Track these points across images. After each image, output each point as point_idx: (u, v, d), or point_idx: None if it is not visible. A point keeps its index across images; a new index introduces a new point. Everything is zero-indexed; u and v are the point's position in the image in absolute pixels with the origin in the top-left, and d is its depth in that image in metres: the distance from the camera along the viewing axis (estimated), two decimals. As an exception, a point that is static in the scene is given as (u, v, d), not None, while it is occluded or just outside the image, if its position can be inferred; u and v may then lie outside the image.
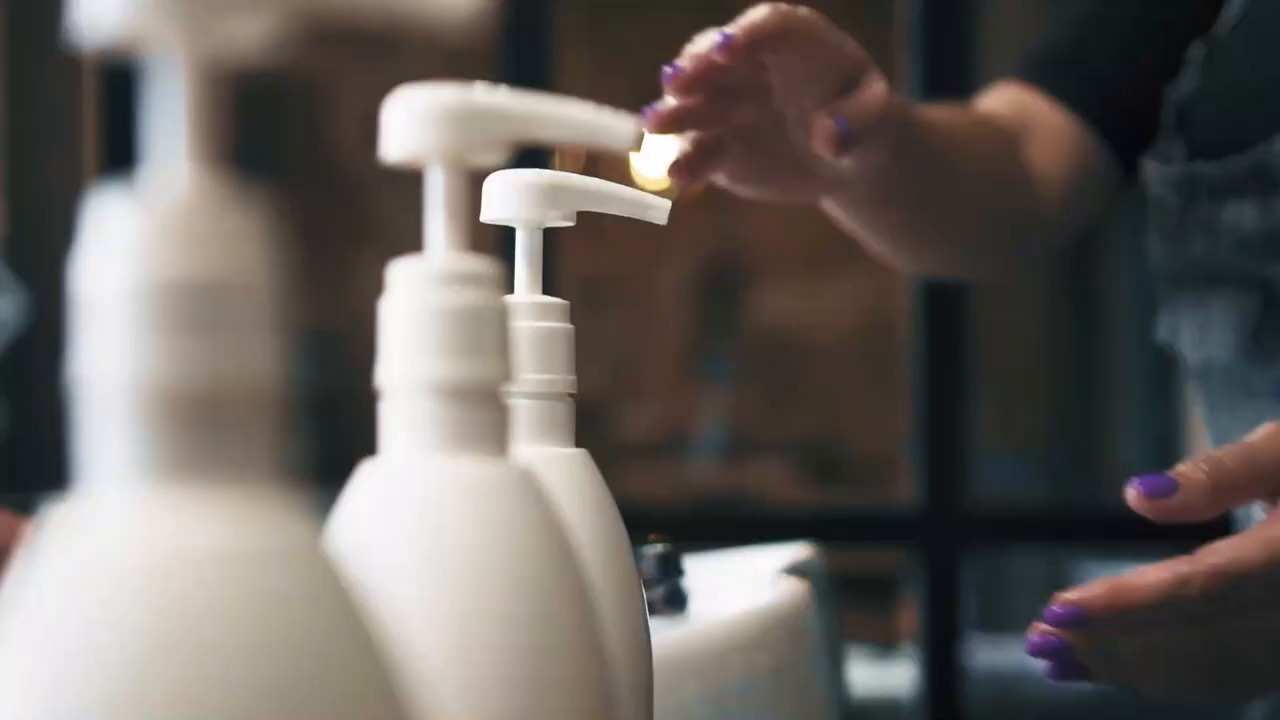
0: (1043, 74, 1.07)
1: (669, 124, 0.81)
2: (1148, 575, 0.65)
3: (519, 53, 1.96)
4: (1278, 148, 0.87)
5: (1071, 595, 0.65)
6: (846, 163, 0.87)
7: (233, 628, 0.27)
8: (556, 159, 1.55)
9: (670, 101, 0.81)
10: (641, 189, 0.59)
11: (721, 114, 0.84)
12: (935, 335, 1.94)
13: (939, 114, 1.01)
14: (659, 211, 0.59)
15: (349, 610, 0.29)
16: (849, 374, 4.16)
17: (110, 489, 0.28)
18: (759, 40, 0.80)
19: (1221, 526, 0.99)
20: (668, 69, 0.80)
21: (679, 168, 0.84)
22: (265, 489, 0.29)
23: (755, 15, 0.80)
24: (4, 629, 0.27)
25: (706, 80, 0.81)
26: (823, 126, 0.82)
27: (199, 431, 0.28)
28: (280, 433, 0.29)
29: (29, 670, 0.27)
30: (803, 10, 0.83)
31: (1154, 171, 0.96)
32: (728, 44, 0.79)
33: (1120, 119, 1.04)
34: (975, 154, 1.01)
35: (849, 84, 0.84)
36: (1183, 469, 0.67)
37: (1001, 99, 1.08)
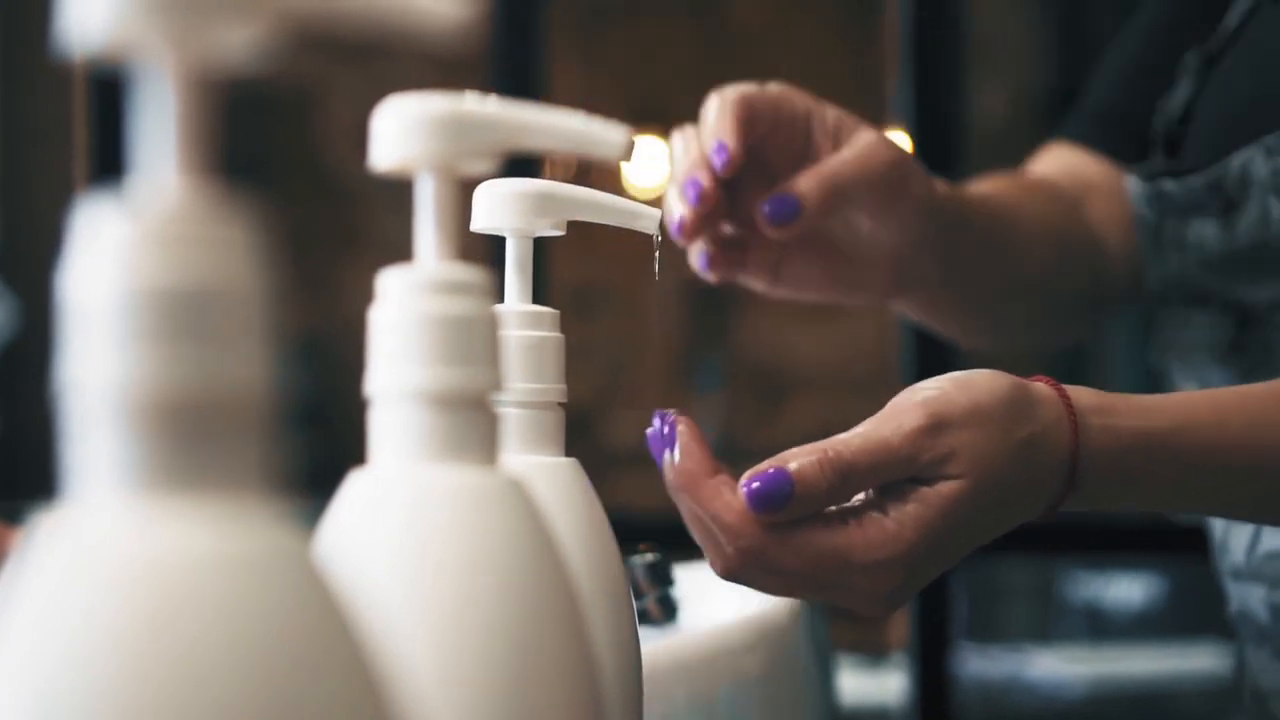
0: (1093, 132, 1.05)
1: (693, 232, 0.84)
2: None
3: (509, 61, 1.96)
4: (1234, 165, 0.87)
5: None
6: (891, 249, 0.87)
7: (221, 635, 0.27)
8: (547, 168, 1.55)
9: (688, 212, 0.83)
10: (632, 198, 0.59)
11: (737, 207, 0.86)
12: (925, 345, 1.94)
13: (991, 186, 1.00)
14: (649, 221, 0.59)
15: (337, 619, 0.29)
16: (840, 383, 4.17)
17: (99, 497, 0.28)
18: (742, 134, 0.82)
19: (1200, 536, 0.99)
20: (689, 194, 0.82)
21: (710, 266, 0.87)
22: (254, 497, 0.29)
23: (719, 113, 0.83)
24: (-9, 638, 0.27)
25: (717, 195, 0.83)
26: (757, 210, 0.84)
27: (188, 440, 0.28)
28: (269, 441, 0.29)
29: (18, 677, 0.27)
30: (770, 86, 0.86)
31: (1133, 186, 0.96)
32: (726, 161, 0.81)
33: None
34: (1035, 220, 0.99)
35: (836, 147, 0.85)
36: (804, 469, 0.67)
37: (1055, 162, 1.06)
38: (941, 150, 1.95)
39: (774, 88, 0.86)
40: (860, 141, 0.85)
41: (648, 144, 4.12)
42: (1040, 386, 0.72)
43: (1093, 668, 2.86)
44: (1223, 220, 0.89)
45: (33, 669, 0.27)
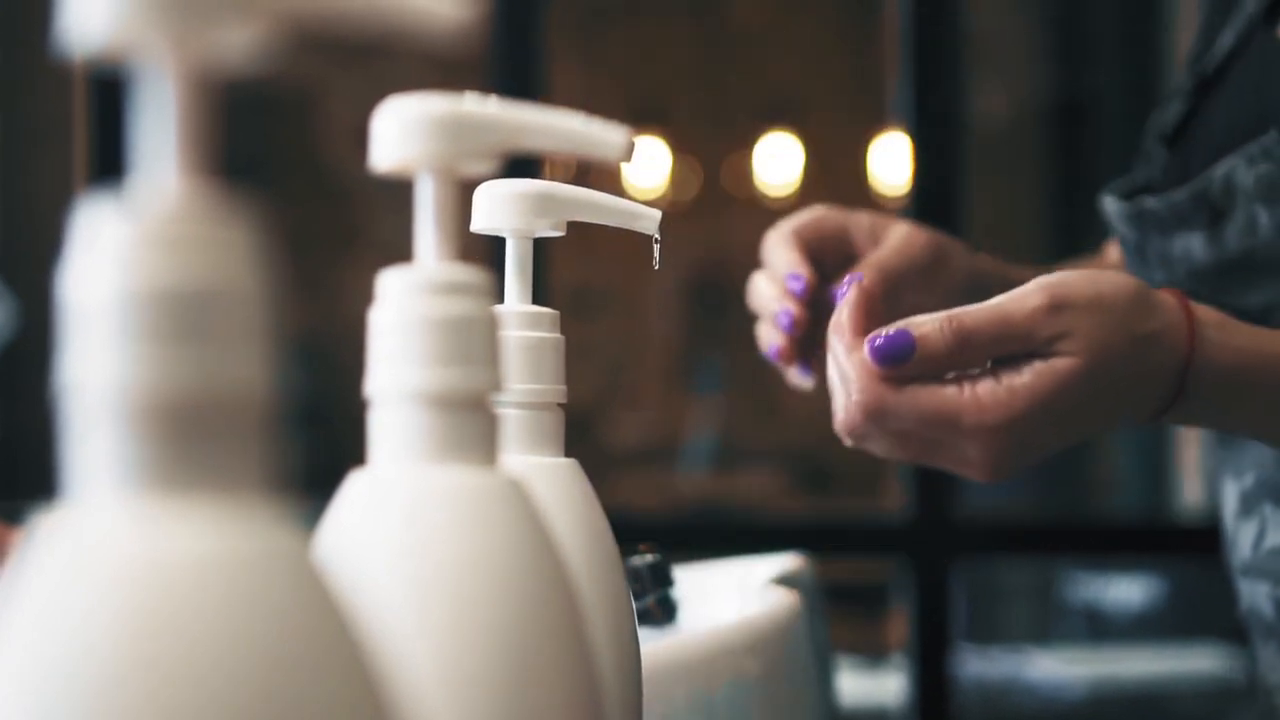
0: None
1: (792, 357, 0.94)
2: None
3: (509, 61, 1.96)
4: (1218, 176, 0.89)
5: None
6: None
7: (220, 636, 0.27)
8: (547, 168, 1.55)
9: (785, 340, 0.93)
10: (632, 199, 0.59)
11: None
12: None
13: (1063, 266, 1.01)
14: (649, 222, 0.59)
15: (336, 619, 0.29)
16: (839, 384, 4.16)
17: (99, 497, 0.28)
18: (808, 260, 0.93)
19: (1211, 535, 0.99)
20: (783, 324, 0.92)
21: (782, 357, 0.95)
22: (253, 498, 0.29)
23: (782, 248, 0.94)
24: (-9, 638, 0.27)
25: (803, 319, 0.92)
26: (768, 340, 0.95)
27: (187, 440, 0.28)
28: (268, 441, 0.29)
29: (18, 677, 0.27)
30: (809, 210, 0.96)
31: (1109, 206, 0.97)
32: (804, 288, 0.91)
33: None
34: None
35: (875, 244, 0.94)
36: (926, 331, 0.73)
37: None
38: (941, 150, 1.95)
39: (813, 211, 0.96)
40: (897, 233, 0.94)
41: (648, 144, 4.12)
42: (1164, 292, 0.76)
43: (1092, 669, 2.86)
44: (1209, 232, 0.90)
45: (33, 669, 0.27)
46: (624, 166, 0.47)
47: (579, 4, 4.00)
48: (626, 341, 4.25)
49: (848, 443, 0.77)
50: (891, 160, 3.89)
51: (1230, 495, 0.96)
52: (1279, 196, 0.86)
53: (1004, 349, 0.72)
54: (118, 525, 0.28)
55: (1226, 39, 0.99)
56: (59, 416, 0.29)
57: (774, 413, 4.22)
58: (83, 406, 0.28)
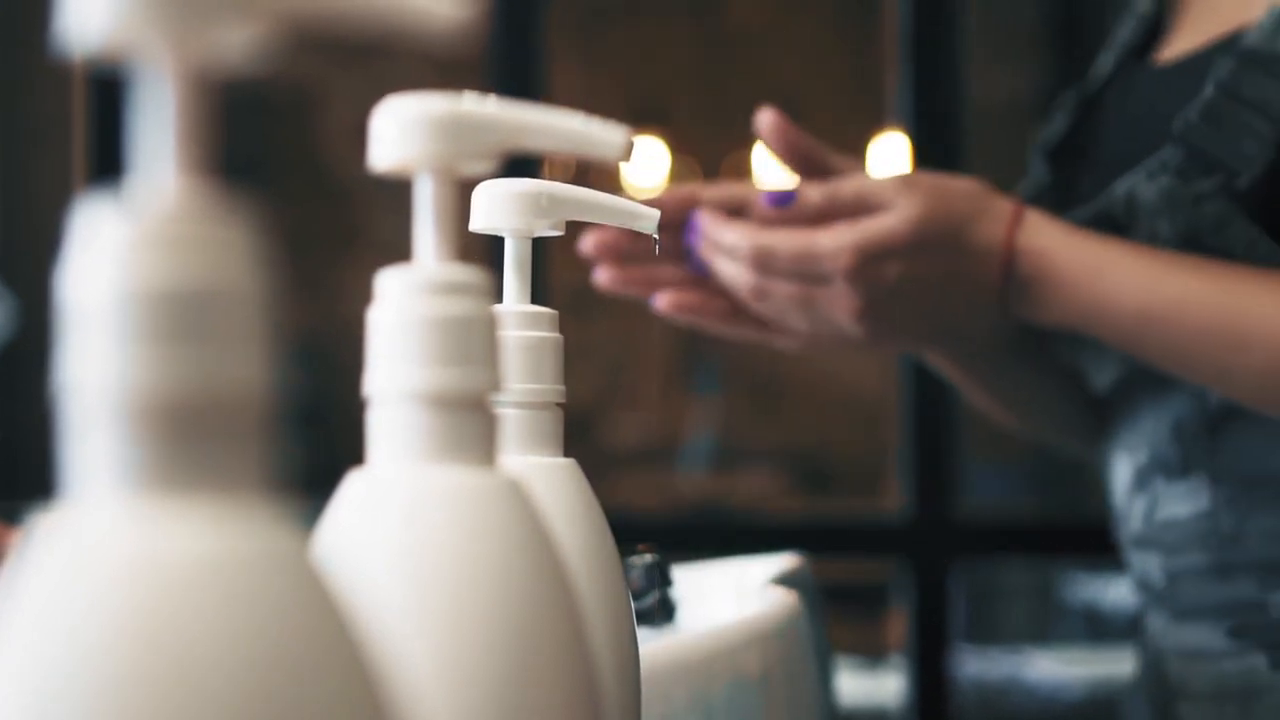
0: None
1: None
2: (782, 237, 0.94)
3: (509, 61, 1.96)
4: (1119, 192, 0.97)
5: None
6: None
7: (219, 637, 0.27)
8: (546, 168, 1.55)
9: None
10: (631, 199, 0.59)
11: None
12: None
13: None
14: (648, 221, 0.59)
15: (335, 620, 0.29)
16: (837, 384, 4.17)
17: (98, 497, 0.28)
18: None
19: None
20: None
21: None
22: (252, 498, 0.29)
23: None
24: (-11, 638, 0.27)
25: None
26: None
27: (186, 440, 0.28)
28: (267, 442, 0.29)
29: (17, 677, 0.27)
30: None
31: None
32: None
33: None
34: None
35: None
36: (805, 188, 0.94)
37: None
38: (941, 151, 1.95)
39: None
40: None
41: (648, 144, 4.12)
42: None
43: (1091, 669, 2.86)
44: None
45: (32, 669, 0.27)
46: (624, 166, 0.48)
47: (579, 4, 4.00)
48: (626, 341, 4.25)
49: (756, 305, 0.95)
50: (891, 160, 3.90)
51: (1123, 472, 1.03)
52: (1179, 208, 0.94)
53: (864, 206, 0.93)
54: (116, 525, 0.28)
55: (1107, 62, 1.10)
56: (57, 416, 0.29)
57: (773, 413, 4.22)
58: (81, 406, 0.28)
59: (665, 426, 4.25)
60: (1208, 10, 1.04)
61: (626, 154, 0.48)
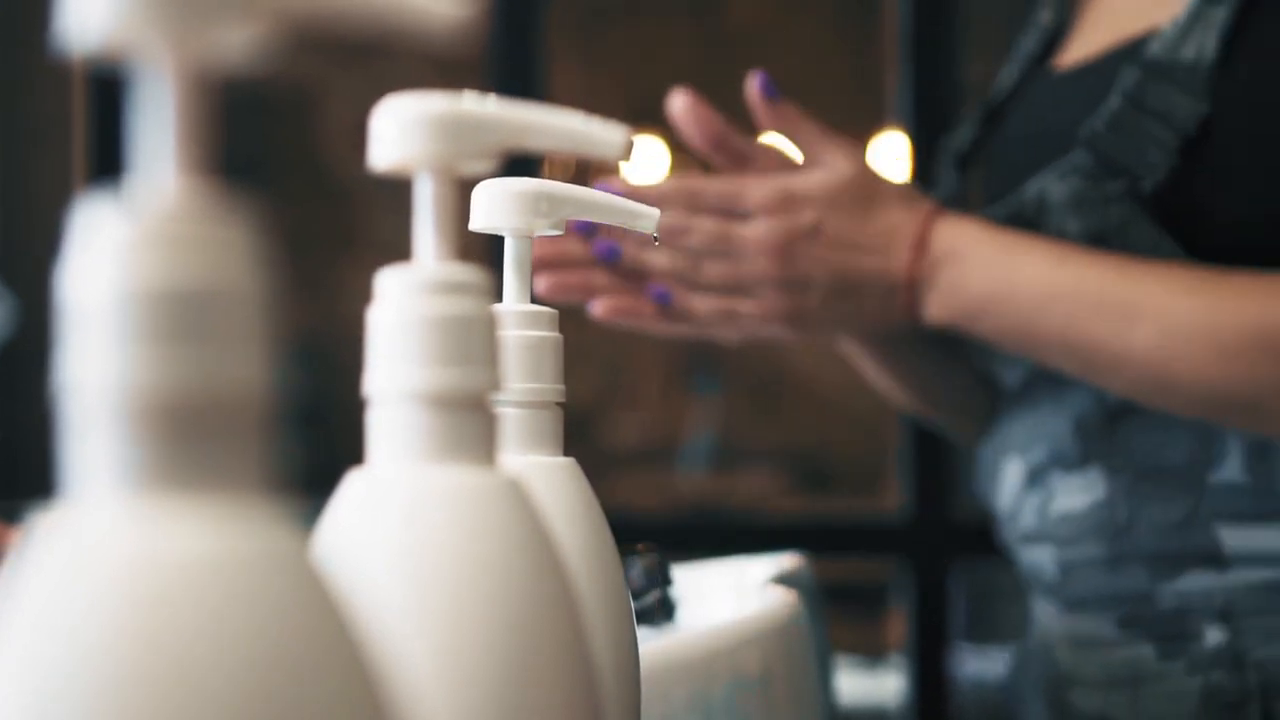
0: None
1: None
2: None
3: (509, 61, 1.96)
4: (1030, 193, 1.01)
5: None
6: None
7: (218, 636, 0.27)
8: (546, 168, 1.55)
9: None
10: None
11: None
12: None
13: None
14: (649, 221, 0.59)
15: (335, 619, 0.29)
16: (837, 384, 4.16)
17: (98, 497, 0.28)
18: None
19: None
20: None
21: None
22: (252, 498, 0.29)
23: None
24: (-11, 638, 0.27)
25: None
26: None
27: (186, 440, 0.28)
28: (267, 441, 0.29)
29: (17, 677, 0.27)
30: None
31: None
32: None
33: None
34: None
35: None
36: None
37: None
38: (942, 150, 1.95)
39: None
40: None
41: (647, 144, 4.12)
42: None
43: (1091, 669, 2.86)
44: None
45: (31, 669, 0.27)
46: (623, 165, 0.48)
47: (579, 4, 4.00)
48: (626, 341, 4.24)
49: (671, 245, 1.00)
50: (891, 160, 3.90)
51: (1012, 474, 1.08)
52: (1088, 208, 0.98)
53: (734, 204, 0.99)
54: (116, 525, 0.28)
55: (1010, 74, 1.16)
56: (57, 416, 0.29)
57: (773, 413, 4.22)
58: (81, 406, 0.28)
59: (665, 426, 4.24)
60: (1106, 15, 1.09)
61: (626, 153, 0.48)
